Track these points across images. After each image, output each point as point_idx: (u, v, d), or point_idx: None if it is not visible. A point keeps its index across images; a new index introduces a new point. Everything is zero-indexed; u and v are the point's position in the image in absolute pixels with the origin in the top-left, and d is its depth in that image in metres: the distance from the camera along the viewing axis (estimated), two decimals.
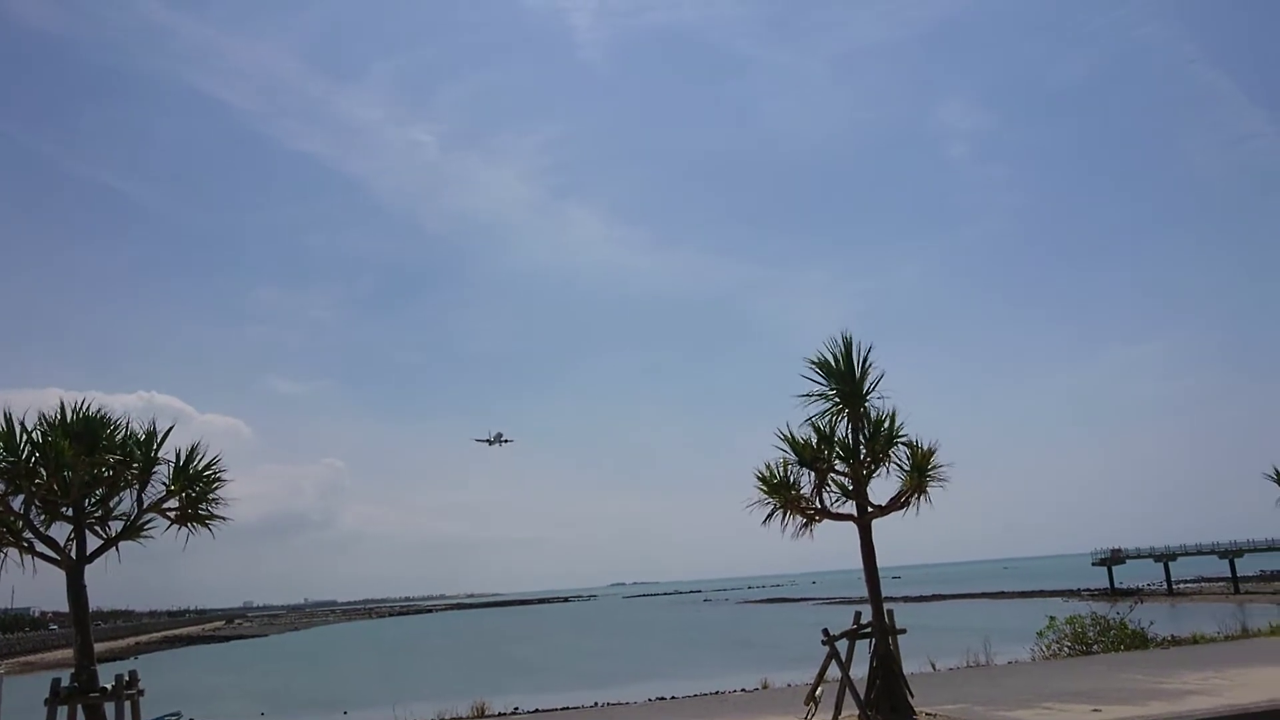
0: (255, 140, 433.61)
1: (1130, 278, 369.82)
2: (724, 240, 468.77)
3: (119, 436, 11.69)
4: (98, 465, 11.41)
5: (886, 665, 13.09)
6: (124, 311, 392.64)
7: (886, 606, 13.57)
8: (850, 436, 13.88)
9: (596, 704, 23.06)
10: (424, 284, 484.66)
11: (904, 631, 13.77)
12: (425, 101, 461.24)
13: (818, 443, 13.89)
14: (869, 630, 13.36)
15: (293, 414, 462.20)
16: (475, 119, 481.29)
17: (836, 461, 13.90)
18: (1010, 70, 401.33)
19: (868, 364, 13.83)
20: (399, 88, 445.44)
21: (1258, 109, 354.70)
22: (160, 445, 11.90)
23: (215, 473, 12.16)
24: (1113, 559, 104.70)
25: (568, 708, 23.93)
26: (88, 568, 11.37)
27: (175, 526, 12.10)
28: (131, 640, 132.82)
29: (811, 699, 13.73)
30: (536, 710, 25.56)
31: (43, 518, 11.26)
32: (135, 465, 11.73)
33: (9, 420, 11.12)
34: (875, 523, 13.80)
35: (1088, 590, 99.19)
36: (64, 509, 11.29)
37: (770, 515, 14.11)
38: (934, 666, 22.07)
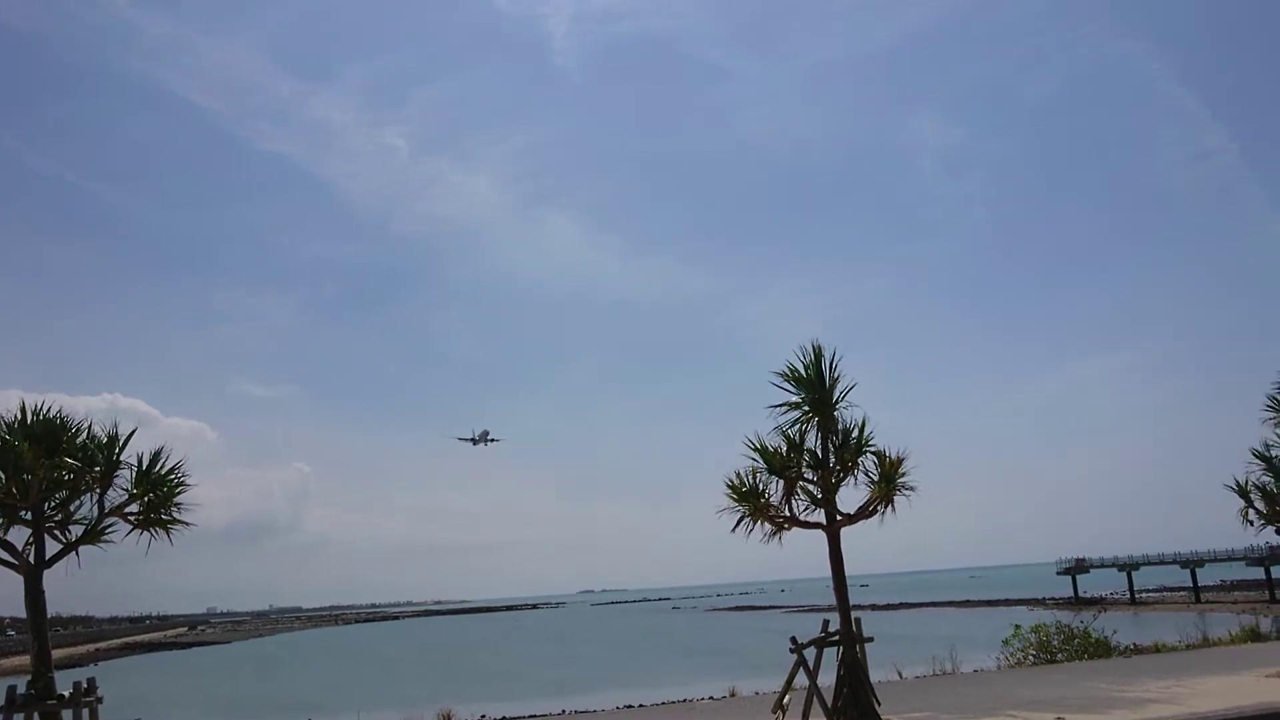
0: (224, 140, 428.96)
1: (1098, 290, 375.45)
2: (696, 249, 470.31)
3: (80, 439, 11.53)
4: (58, 468, 11.23)
5: (854, 673, 13.14)
6: (88, 312, 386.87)
7: (854, 615, 13.63)
8: (819, 445, 13.94)
9: (564, 712, 22.95)
10: (394, 289, 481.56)
11: (871, 640, 13.84)
12: (398, 105, 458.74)
13: (787, 451, 13.94)
14: (837, 638, 13.41)
15: (260, 418, 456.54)
16: (448, 123, 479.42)
17: (806, 470, 13.96)
18: (980, 84, 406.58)
19: (837, 374, 13.91)
20: (371, 90, 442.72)
21: (1220, 125, 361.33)
22: (123, 449, 11.75)
23: (179, 477, 12.03)
24: (1077, 568, 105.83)
25: (535, 716, 23.82)
26: (47, 572, 11.18)
27: (137, 531, 11.94)
28: (91, 647, 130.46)
29: (779, 706, 13.76)
30: (503, 718, 25.44)
31: (1, 521, 11.06)
32: (97, 469, 11.57)
33: None
34: (844, 531, 13.86)
35: (1053, 599, 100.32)
36: (23, 512, 11.10)
37: (739, 523, 14.13)
38: (901, 675, 22.20)
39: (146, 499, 11.81)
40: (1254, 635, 26.13)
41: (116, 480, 11.75)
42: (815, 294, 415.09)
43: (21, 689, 10.71)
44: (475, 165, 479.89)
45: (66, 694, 10.87)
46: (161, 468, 11.91)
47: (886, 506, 13.80)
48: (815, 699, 13.05)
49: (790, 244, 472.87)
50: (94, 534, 11.60)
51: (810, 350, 13.90)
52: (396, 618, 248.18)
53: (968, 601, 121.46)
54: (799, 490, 14.00)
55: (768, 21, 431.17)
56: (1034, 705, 14.73)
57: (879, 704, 13.22)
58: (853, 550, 13.95)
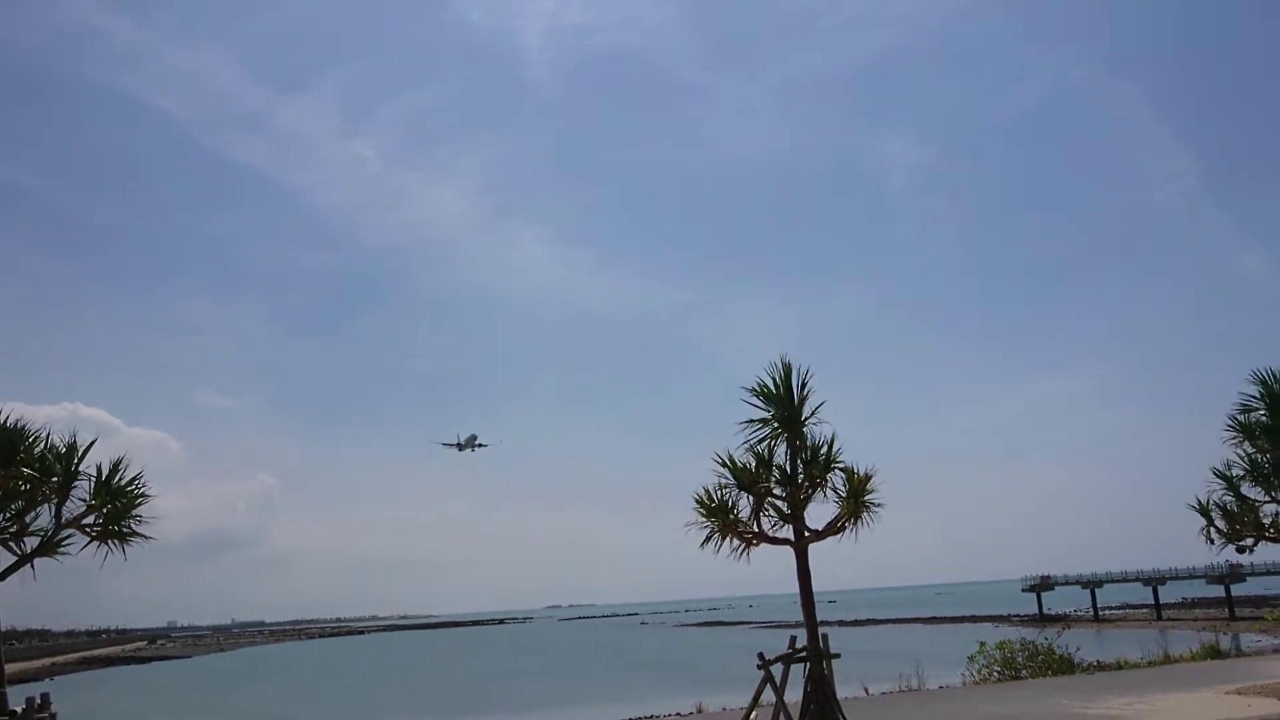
0: (193, 148, 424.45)
1: (1065, 309, 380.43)
2: (667, 263, 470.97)
3: (38, 449, 11.30)
4: (14, 478, 11.00)
5: (820, 689, 13.13)
6: (49, 319, 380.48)
7: (821, 631, 13.63)
8: (788, 461, 13.96)
9: None
10: (362, 300, 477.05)
11: (838, 656, 13.85)
12: (368, 115, 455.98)
13: (756, 467, 13.93)
14: (804, 654, 13.40)
15: (225, 428, 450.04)
16: (420, 135, 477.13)
17: (774, 486, 13.96)
18: (949, 105, 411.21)
19: (806, 390, 13.94)
20: (341, 101, 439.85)
21: (1184, 149, 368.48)
22: (82, 459, 11.52)
23: (139, 488, 11.82)
24: (1042, 585, 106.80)
25: None
26: (1, 585, 10.95)
27: (95, 543, 11.71)
28: (47, 661, 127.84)
29: None
30: None
31: None
32: (54, 479, 11.33)
33: None
34: (812, 547, 13.87)
35: (1018, 616, 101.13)
36: None
37: (708, 538, 14.10)
38: (867, 691, 22.26)
39: (105, 510, 11.58)
40: (1214, 652, 26.48)
41: (74, 491, 11.52)
42: (785, 309, 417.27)
43: None
44: (445, 177, 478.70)
45: (19, 709, 10.63)
46: (121, 479, 11.70)
47: (855, 523, 13.83)
48: (782, 715, 13.03)
49: (760, 259, 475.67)
50: (50, 546, 11.36)
51: (780, 366, 13.94)
52: (361, 632, 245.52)
53: (934, 618, 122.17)
54: (768, 506, 14.00)
55: (741, 39, 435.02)
56: None
57: None
58: (820, 566, 13.99)
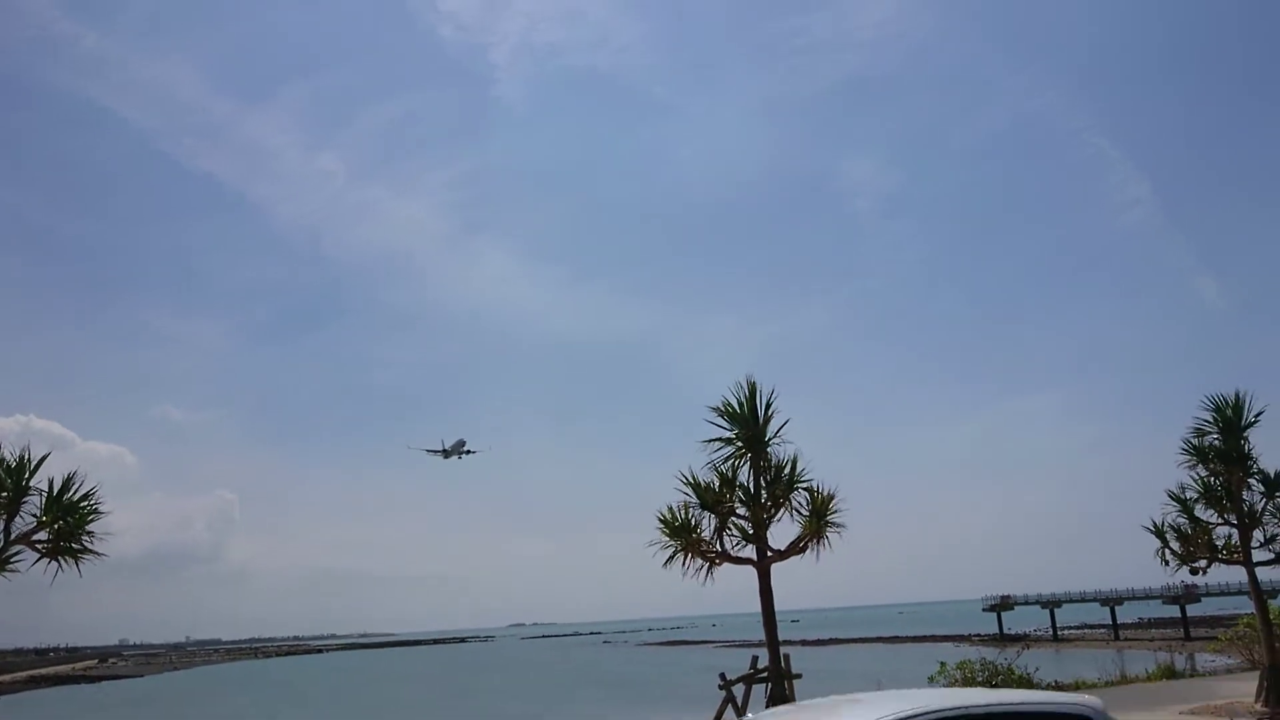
0: (155, 158, 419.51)
1: (1025, 333, 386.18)
2: (635, 281, 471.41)
3: None
4: None
5: None
6: (5, 330, 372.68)
7: (783, 650, 13.64)
8: (752, 481, 13.99)
9: None
10: (326, 315, 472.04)
11: (799, 676, 13.85)
12: (335, 129, 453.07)
13: (720, 486, 13.96)
14: (765, 674, 13.40)
15: (183, 443, 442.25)
16: (387, 149, 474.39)
17: (738, 505, 13.99)
18: (916, 129, 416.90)
19: (771, 409, 14.01)
20: (308, 113, 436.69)
21: (1144, 176, 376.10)
22: (33, 473, 11.26)
23: (92, 504, 11.57)
24: (1002, 605, 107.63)
25: None
26: None
27: (45, 560, 11.44)
28: None
29: None
30: None
31: None
32: (3, 493, 11.07)
33: None
34: (775, 566, 13.89)
35: (978, 636, 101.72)
36: None
37: (671, 558, 14.09)
38: None
39: (56, 526, 11.33)
40: (1169, 673, 26.77)
41: (25, 506, 11.26)
42: (751, 329, 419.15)
43: None
44: (412, 191, 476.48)
45: None
46: (74, 494, 11.45)
47: (817, 542, 13.88)
48: None
49: (728, 279, 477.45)
50: None
51: (745, 386, 14.00)
52: (320, 651, 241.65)
53: (895, 637, 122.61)
54: (731, 525, 14.02)
55: (711, 60, 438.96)
56: None
57: None
58: (783, 585, 14.03)
